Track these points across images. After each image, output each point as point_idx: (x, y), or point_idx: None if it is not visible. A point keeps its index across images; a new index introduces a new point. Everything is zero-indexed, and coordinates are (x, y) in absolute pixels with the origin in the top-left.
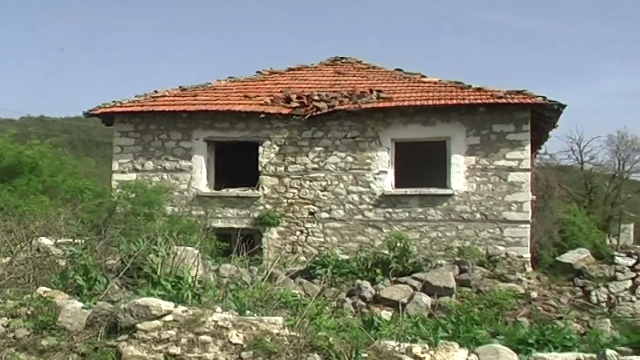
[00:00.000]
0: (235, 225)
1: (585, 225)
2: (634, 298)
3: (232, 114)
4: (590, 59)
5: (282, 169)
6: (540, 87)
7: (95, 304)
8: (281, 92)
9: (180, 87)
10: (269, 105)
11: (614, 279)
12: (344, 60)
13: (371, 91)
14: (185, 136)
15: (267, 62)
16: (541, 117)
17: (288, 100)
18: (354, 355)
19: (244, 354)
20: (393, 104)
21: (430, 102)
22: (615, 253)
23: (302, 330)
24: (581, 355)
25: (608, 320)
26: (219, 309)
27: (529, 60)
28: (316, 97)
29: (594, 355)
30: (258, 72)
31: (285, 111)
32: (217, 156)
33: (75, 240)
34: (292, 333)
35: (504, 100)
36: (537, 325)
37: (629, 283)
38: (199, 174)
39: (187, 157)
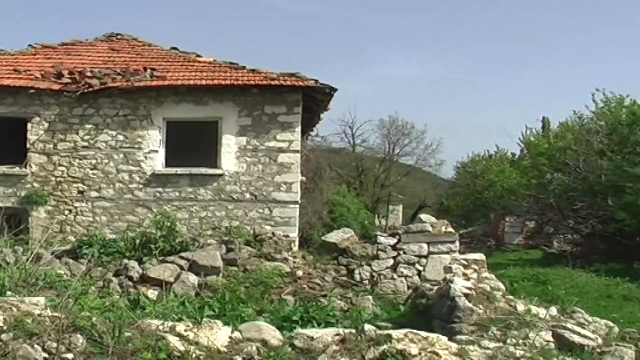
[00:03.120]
0: (0, 204)
1: (355, 206)
2: (395, 276)
3: (0, 89)
4: (364, 46)
5: (51, 146)
6: (317, 71)
7: None
8: (53, 67)
9: None
10: (40, 80)
11: (376, 257)
12: (119, 37)
13: (145, 69)
14: None
15: (41, 36)
16: (313, 99)
17: (59, 75)
18: (117, 335)
19: (3, 336)
20: (166, 82)
21: (204, 82)
22: (378, 233)
23: (65, 310)
24: (341, 330)
25: (370, 297)
26: None
27: (306, 44)
28: (89, 74)
29: (354, 330)
30: (30, 45)
31: (56, 87)
32: None
33: None
34: (54, 314)
35: (276, 82)
36: (302, 302)
37: (391, 261)
38: None
39: None
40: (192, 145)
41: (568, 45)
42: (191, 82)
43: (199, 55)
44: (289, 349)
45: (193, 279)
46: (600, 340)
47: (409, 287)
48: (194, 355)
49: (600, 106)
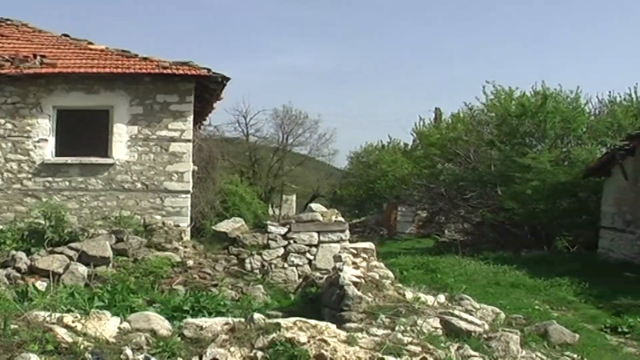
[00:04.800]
0: None
1: (248, 195)
2: (285, 265)
3: None
4: (258, 34)
5: None
6: (211, 60)
7: None
8: None
9: None
10: None
11: (267, 247)
12: (8, 22)
13: (35, 56)
14: None
15: None
16: (206, 89)
17: None
18: (2, 327)
19: None
20: (56, 70)
21: (95, 70)
22: (269, 222)
23: None
24: (231, 319)
25: (261, 286)
26: None
27: (199, 32)
28: None
29: (243, 320)
30: None
31: None
32: None
33: None
34: None
35: (169, 71)
36: (193, 292)
37: (282, 251)
38: None
39: None
40: (83, 134)
41: (462, 38)
42: (82, 70)
43: (90, 43)
44: (179, 339)
45: (82, 269)
46: (487, 326)
47: (299, 276)
48: (82, 346)
49: (491, 98)
